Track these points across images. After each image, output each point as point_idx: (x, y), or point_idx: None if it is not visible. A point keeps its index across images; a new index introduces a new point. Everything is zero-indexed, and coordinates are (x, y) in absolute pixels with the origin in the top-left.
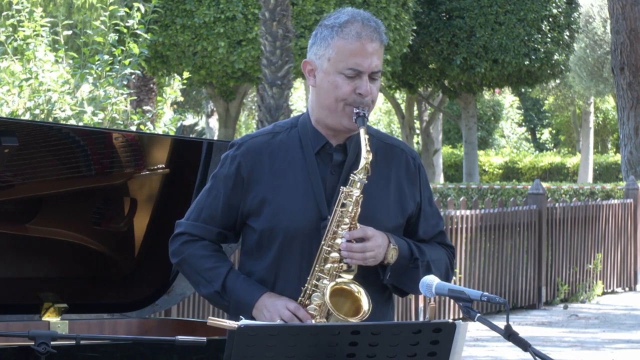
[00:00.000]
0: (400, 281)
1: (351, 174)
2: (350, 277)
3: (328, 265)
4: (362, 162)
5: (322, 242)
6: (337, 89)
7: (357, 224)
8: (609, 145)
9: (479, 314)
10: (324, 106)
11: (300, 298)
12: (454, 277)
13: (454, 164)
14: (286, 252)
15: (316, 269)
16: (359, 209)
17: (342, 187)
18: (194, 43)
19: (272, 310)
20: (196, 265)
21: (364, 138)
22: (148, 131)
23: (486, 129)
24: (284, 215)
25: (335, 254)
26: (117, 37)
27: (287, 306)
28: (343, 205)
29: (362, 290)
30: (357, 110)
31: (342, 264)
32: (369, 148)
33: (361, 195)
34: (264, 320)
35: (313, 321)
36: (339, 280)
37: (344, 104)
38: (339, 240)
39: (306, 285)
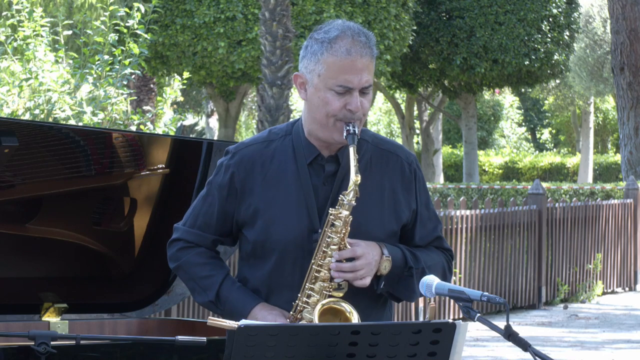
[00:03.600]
0: (395, 289)
1: (340, 195)
2: (341, 294)
3: (318, 284)
4: (351, 185)
5: (312, 261)
6: (327, 105)
7: (347, 244)
8: (609, 145)
9: (479, 314)
10: (315, 120)
11: (291, 312)
12: (453, 277)
13: (454, 164)
14: (279, 264)
15: (306, 286)
16: (349, 229)
17: (330, 208)
18: (194, 43)
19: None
20: (191, 273)
21: (353, 158)
22: (148, 131)
23: (486, 129)
24: (276, 228)
25: (325, 273)
26: (117, 37)
27: (277, 321)
28: (332, 225)
29: (353, 310)
30: (348, 128)
31: (332, 283)
32: (357, 170)
33: (350, 216)
34: None
35: None
36: (328, 299)
37: (334, 119)
38: (328, 260)
39: (297, 301)
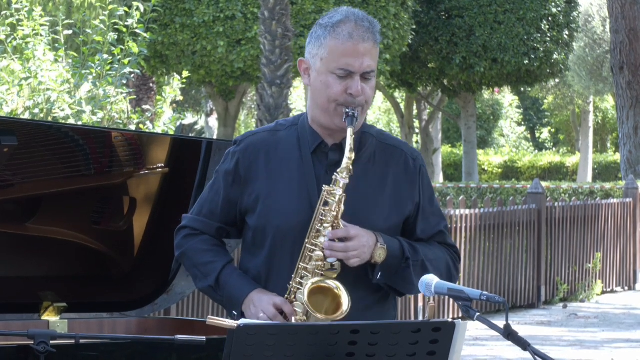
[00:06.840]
0: (393, 281)
1: (334, 173)
2: (334, 275)
3: (312, 264)
4: (344, 162)
5: (306, 240)
6: (328, 88)
7: (341, 223)
8: (608, 145)
9: (478, 313)
10: (318, 105)
11: (286, 295)
12: None
13: (453, 163)
14: (278, 250)
15: (300, 266)
16: (342, 208)
17: (324, 185)
18: (193, 42)
19: (258, 305)
20: (194, 259)
21: (349, 137)
22: (147, 130)
23: (485, 128)
24: (276, 214)
25: (318, 253)
26: (116, 37)
27: (274, 301)
28: (326, 203)
29: (340, 285)
30: (347, 110)
31: (325, 262)
32: (352, 147)
33: (344, 194)
34: (249, 315)
35: (294, 318)
36: (316, 279)
37: (335, 104)
38: (322, 239)
39: (291, 282)
